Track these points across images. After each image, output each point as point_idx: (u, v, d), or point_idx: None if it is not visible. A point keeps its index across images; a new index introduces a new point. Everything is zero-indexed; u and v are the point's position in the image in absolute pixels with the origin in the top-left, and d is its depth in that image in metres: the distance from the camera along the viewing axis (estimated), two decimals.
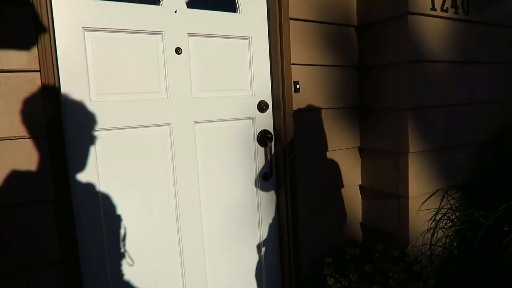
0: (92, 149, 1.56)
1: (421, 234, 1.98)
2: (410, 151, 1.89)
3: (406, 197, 1.93)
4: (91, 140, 1.56)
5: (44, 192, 1.39)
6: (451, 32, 2.00)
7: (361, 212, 2.26)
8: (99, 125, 1.56)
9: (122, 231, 1.66)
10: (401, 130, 1.91)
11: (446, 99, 2.02)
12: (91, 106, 1.54)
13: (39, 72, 1.36)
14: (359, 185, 2.25)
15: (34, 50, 1.35)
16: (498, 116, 2.28)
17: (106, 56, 1.57)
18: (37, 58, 1.35)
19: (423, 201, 1.96)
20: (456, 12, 1.99)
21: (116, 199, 1.64)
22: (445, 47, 1.98)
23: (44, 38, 1.37)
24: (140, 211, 1.70)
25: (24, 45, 1.34)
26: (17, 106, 1.33)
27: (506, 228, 1.71)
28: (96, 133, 1.57)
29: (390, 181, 2.01)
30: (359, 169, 2.23)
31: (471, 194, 2.05)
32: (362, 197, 2.26)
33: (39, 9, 1.36)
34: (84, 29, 1.52)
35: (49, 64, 1.38)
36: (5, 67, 1.30)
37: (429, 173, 1.99)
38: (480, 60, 2.16)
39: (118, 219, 1.65)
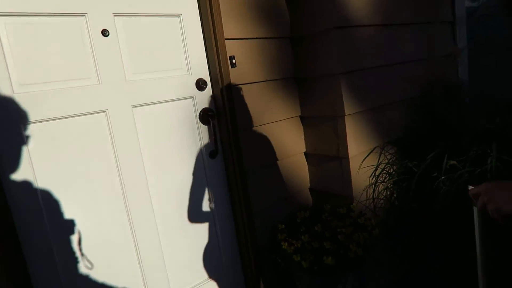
0: (23, 145, 1.47)
1: (363, 190, 2.11)
2: (346, 114, 1.99)
3: (346, 157, 2.05)
4: (20, 135, 1.46)
5: None
6: None
7: (308, 178, 2.36)
8: (27, 118, 1.47)
9: (71, 231, 1.60)
10: (336, 95, 2.00)
11: (375, 61, 2.14)
12: (15, 98, 1.44)
13: None
14: (304, 152, 2.34)
15: None
16: (423, 74, 2.46)
17: (26, 43, 1.47)
18: None
19: (362, 159, 2.08)
20: None
21: (58, 196, 1.57)
22: (370, 11, 2.08)
23: None
24: (87, 206, 1.64)
25: None
26: None
27: (435, 174, 1.88)
28: (25, 127, 1.47)
29: (331, 145, 2.11)
30: (303, 137, 2.32)
31: (404, 148, 2.22)
32: (308, 164, 2.35)
33: None
34: None
35: None
36: None
37: (366, 133, 2.12)
38: (403, 21, 2.29)
39: (62, 217, 1.59)
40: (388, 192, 2.17)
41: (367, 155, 2.10)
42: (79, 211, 1.63)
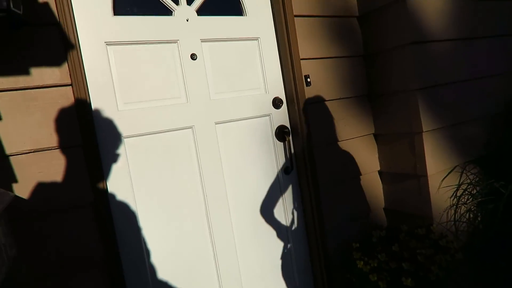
0: (123, 154, 1.65)
1: (444, 211, 2.02)
2: (424, 130, 1.94)
3: (425, 176, 1.98)
4: (121, 146, 1.65)
5: (83, 196, 1.48)
6: (450, 9, 2.05)
7: (383, 197, 2.31)
8: (127, 132, 1.66)
9: (157, 235, 1.74)
10: (413, 111, 1.97)
11: (452, 75, 2.07)
12: (118, 115, 1.64)
13: (70, 86, 1.47)
14: (378, 171, 2.30)
15: (65, 66, 1.46)
16: (505, 88, 2.32)
17: (128, 67, 1.68)
18: (68, 73, 1.46)
19: (442, 178, 2.00)
20: None
21: (149, 199, 1.72)
22: (446, 25, 2.04)
23: (72, 54, 1.48)
24: (172, 212, 1.78)
25: (55, 61, 1.44)
26: (54, 118, 1.43)
27: None
28: (125, 140, 1.66)
29: (408, 162, 2.06)
30: (376, 155, 2.29)
31: (488, 167, 2.09)
32: (382, 182, 2.31)
33: (65, 27, 1.47)
34: (106, 44, 1.62)
35: (79, 78, 1.49)
36: (41, 83, 1.40)
37: (445, 150, 2.04)
38: (481, 34, 2.20)
39: (151, 221, 1.73)
40: (471, 215, 2.05)
41: (447, 174, 2.02)
42: (165, 216, 1.76)
